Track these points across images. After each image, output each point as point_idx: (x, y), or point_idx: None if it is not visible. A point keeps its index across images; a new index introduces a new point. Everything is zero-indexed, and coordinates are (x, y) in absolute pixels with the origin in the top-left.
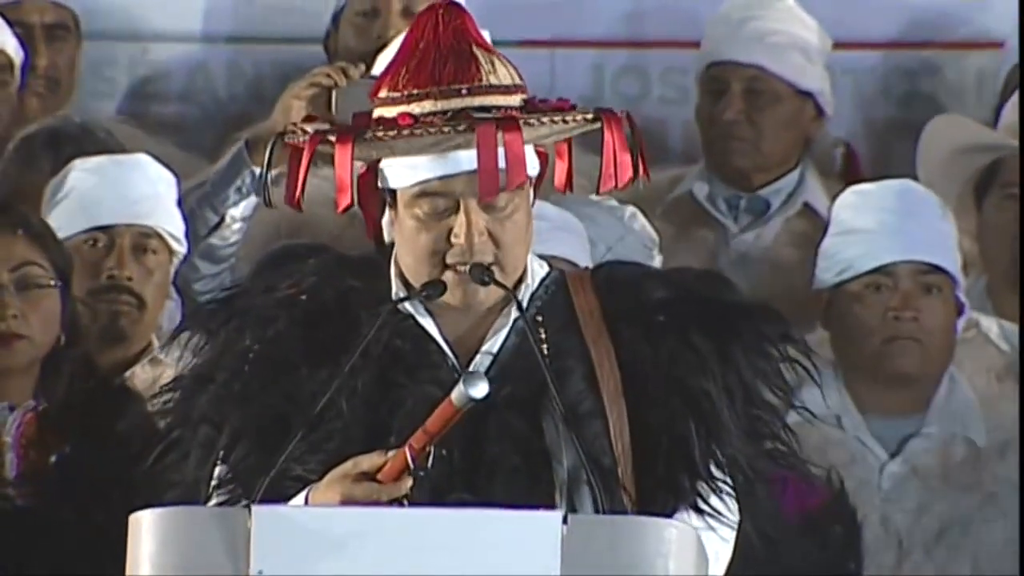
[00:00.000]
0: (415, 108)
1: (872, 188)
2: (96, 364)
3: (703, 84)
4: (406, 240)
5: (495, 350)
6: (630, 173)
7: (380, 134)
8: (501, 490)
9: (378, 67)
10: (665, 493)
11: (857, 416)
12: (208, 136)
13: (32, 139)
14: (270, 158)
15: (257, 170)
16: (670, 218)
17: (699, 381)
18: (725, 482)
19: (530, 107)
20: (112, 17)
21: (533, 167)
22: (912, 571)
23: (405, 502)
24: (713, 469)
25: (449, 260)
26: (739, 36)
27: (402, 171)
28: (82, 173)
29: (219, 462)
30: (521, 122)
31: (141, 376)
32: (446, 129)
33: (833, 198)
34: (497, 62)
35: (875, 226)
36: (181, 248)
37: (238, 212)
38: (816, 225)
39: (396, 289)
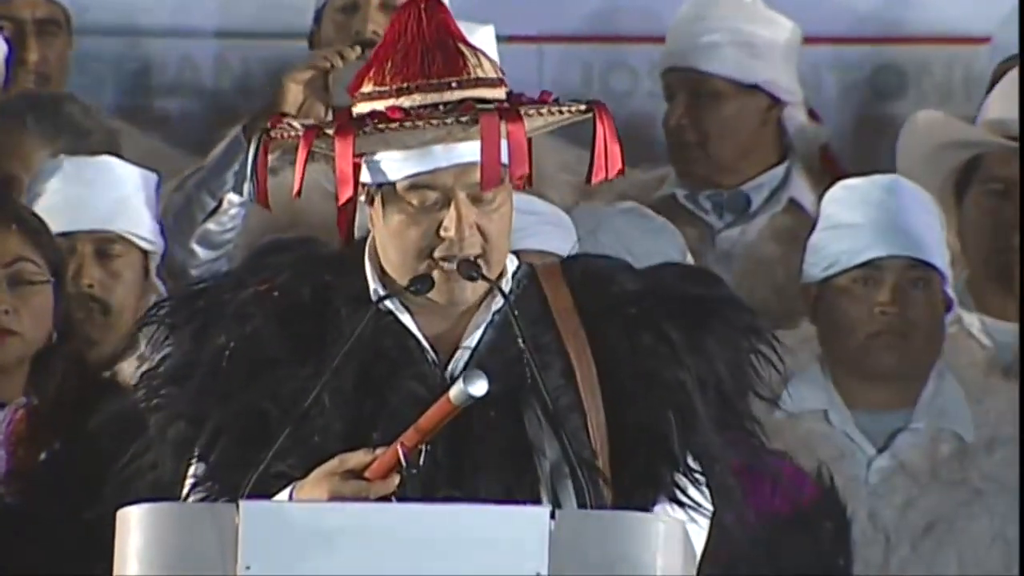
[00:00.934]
0: (404, 102)
1: (861, 183)
2: (87, 361)
3: (663, 92)
4: (393, 235)
5: (473, 345)
6: (620, 164)
7: (383, 127)
8: (485, 486)
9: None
10: (645, 485)
11: (844, 411)
12: (196, 131)
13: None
14: (256, 151)
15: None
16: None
17: (674, 373)
18: (700, 472)
19: (512, 100)
20: (100, 12)
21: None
22: (899, 566)
23: (393, 500)
24: (690, 460)
25: (437, 254)
26: (681, 41)
27: (392, 164)
28: (45, 181)
29: (196, 460)
30: (523, 113)
31: (128, 372)
32: (448, 121)
33: (821, 193)
34: (480, 56)
35: (863, 221)
36: (152, 246)
37: (235, 197)
38: (802, 221)
39: (374, 285)
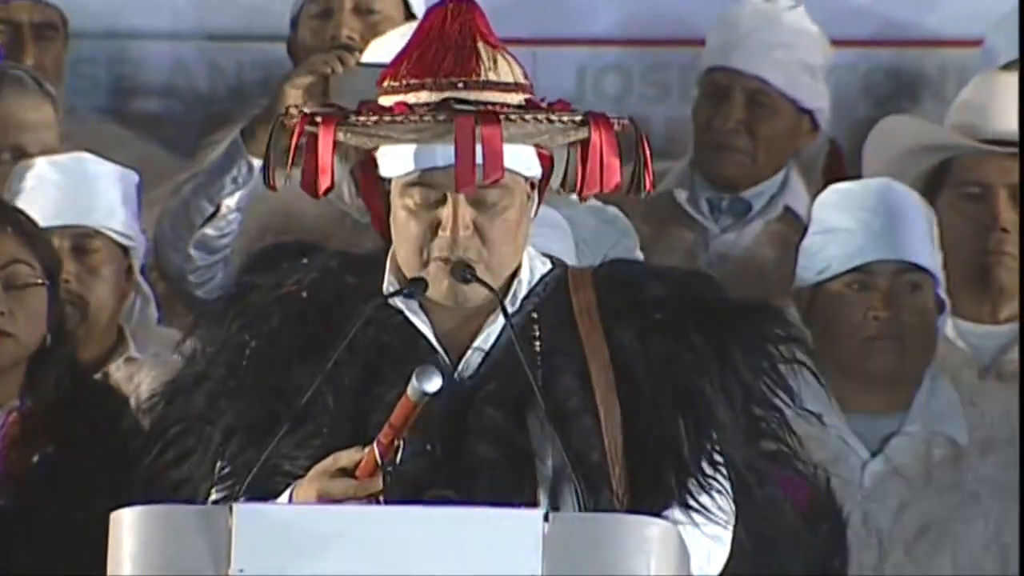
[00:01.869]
0: (411, 98)
1: (853, 187)
2: (81, 364)
3: (702, 86)
4: (398, 230)
5: (487, 346)
6: (617, 178)
7: (364, 119)
8: (484, 487)
9: (368, 55)
10: (653, 490)
11: (839, 414)
12: (189, 134)
13: None
14: (270, 140)
15: (253, 160)
16: (649, 216)
17: (692, 379)
18: (717, 480)
19: (527, 106)
20: (93, 15)
21: (530, 168)
22: (893, 570)
23: (380, 498)
24: (705, 467)
25: (434, 252)
26: (745, 45)
27: (395, 160)
28: (20, 180)
29: (219, 459)
30: (502, 117)
31: (116, 375)
32: (427, 118)
33: (814, 197)
34: (500, 59)
35: (856, 225)
36: (131, 242)
37: (233, 202)
38: (796, 228)
39: (387, 284)
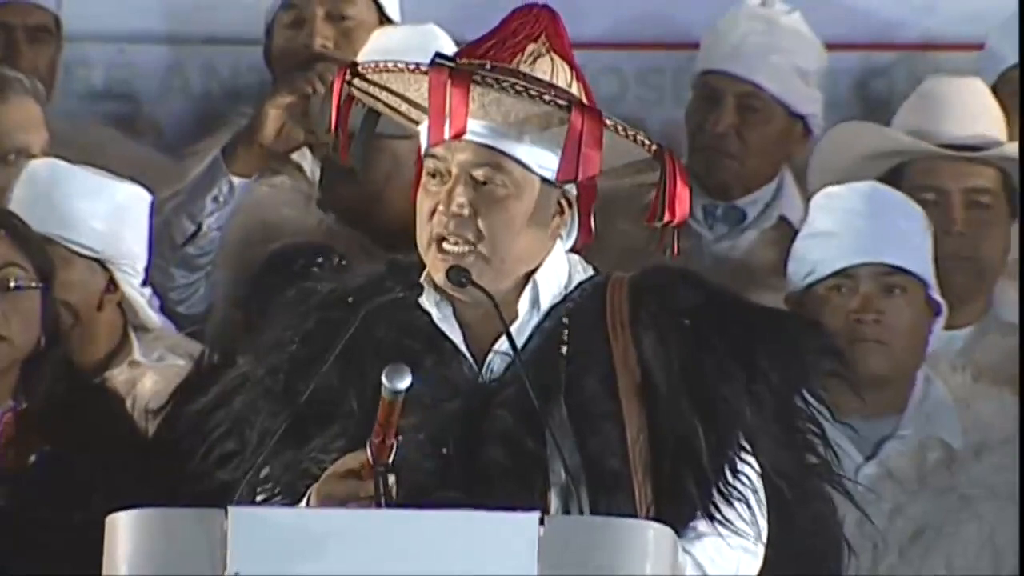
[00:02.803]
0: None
1: (840, 190)
2: (75, 365)
3: (695, 90)
4: (418, 206)
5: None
6: (596, 169)
7: (369, 66)
8: (495, 491)
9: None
10: (676, 499)
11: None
12: (183, 137)
13: None
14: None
15: (233, 179)
16: (643, 222)
17: (717, 387)
18: (738, 490)
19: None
20: (88, 18)
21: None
22: (887, 573)
23: (383, 500)
24: (728, 475)
25: (435, 229)
26: (740, 50)
27: (423, 131)
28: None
29: (259, 462)
30: (477, 77)
31: (118, 378)
32: (411, 67)
33: (807, 201)
34: (547, 61)
35: (838, 228)
36: (94, 254)
37: (214, 221)
38: (791, 237)
39: (423, 278)
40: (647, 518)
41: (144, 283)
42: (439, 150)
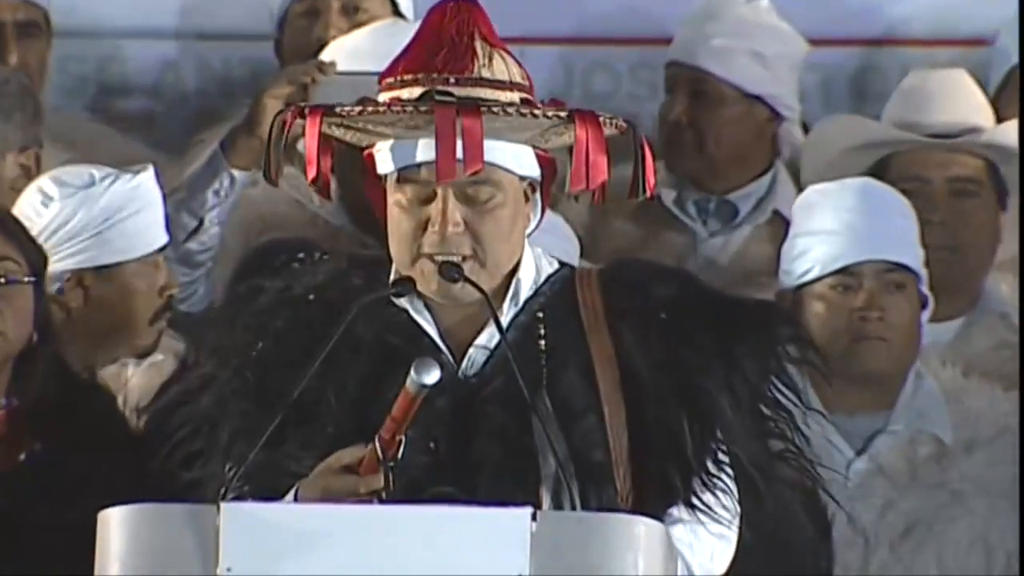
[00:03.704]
0: (404, 93)
1: (833, 187)
2: (68, 362)
3: (664, 83)
4: (392, 226)
5: (491, 344)
6: (604, 175)
7: (347, 110)
8: (486, 485)
9: (327, 54)
10: (657, 489)
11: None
12: (178, 133)
13: None
14: (271, 134)
15: (234, 172)
16: (639, 220)
17: (698, 378)
18: (722, 480)
19: (527, 106)
20: (81, 14)
21: (526, 167)
22: (878, 568)
23: (383, 495)
24: (710, 466)
25: (424, 249)
26: (692, 38)
27: (387, 156)
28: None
29: (229, 462)
30: (483, 109)
31: (106, 374)
32: (408, 109)
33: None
34: (497, 57)
35: (838, 226)
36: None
37: (215, 215)
38: (785, 233)
39: (393, 279)
40: (627, 509)
41: None
42: (420, 173)
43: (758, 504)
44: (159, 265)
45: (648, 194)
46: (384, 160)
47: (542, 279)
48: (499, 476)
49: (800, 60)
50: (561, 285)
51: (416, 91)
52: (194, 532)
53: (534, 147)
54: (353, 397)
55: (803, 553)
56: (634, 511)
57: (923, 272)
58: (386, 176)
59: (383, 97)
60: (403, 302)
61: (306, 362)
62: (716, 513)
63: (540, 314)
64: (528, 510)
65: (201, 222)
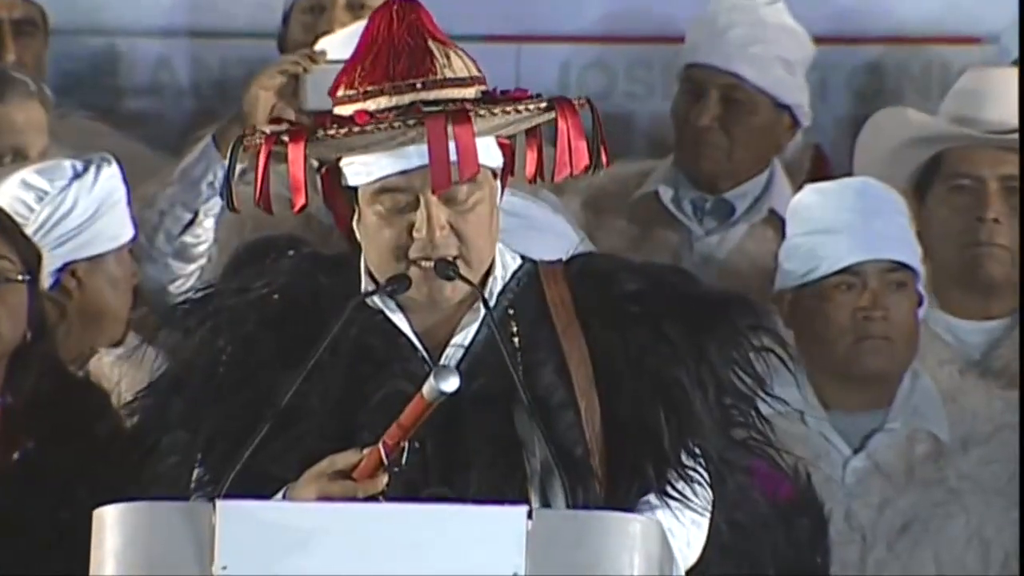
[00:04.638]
0: (371, 105)
1: (832, 187)
2: (62, 360)
3: (681, 83)
4: (370, 237)
5: (467, 343)
6: (586, 160)
7: (333, 132)
8: (475, 483)
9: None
10: (631, 480)
11: (820, 412)
12: (173, 130)
13: None
14: (232, 161)
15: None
16: (635, 217)
17: (671, 371)
18: (695, 470)
19: (488, 98)
20: (76, 11)
21: (494, 159)
22: (875, 566)
23: (381, 498)
24: (684, 458)
25: (412, 255)
26: (721, 42)
27: (361, 168)
28: None
29: (197, 465)
30: (472, 114)
31: (98, 372)
32: (396, 124)
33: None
34: (453, 55)
35: (839, 226)
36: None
37: (210, 208)
38: (781, 231)
39: (365, 285)
40: (603, 502)
41: None
42: (399, 181)
43: (724, 493)
44: (129, 255)
45: (605, 166)
46: (357, 173)
47: (508, 274)
48: (487, 474)
49: (810, 62)
50: (527, 280)
51: (382, 101)
52: (190, 530)
53: (496, 136)
54: (334, 398)
55: (762, 539)
56: (608, 502)
57: (921, 269)
58: (356, 188)
59: (343, 109)
60: (378, 303)
61: (281, 363)
62: (691, 501)
63: (511, 311)
64: (524, 509)
65: (196, 215)
